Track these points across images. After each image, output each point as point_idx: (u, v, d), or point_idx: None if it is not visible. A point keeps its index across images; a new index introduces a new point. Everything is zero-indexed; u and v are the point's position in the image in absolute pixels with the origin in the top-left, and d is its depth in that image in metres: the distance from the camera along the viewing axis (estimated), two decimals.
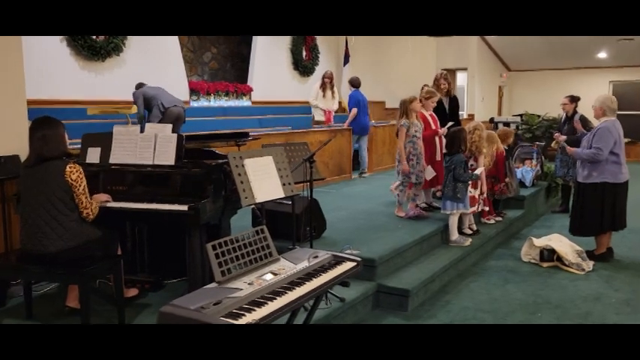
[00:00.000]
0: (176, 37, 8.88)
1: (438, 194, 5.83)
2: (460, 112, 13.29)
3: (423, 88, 6.31)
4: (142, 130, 3.70)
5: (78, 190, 3.07)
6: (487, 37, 12.44)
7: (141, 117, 6.62)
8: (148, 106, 6.71)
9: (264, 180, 3.28)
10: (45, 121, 3.14)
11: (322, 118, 8.89)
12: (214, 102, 9.57)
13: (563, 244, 5.02)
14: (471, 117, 13.25)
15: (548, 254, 5.00)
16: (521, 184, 7.15)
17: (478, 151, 5.21)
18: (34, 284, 3.60)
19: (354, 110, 8.37)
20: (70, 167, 3.05)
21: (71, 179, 3.04)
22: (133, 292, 3.60)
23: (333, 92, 9.07)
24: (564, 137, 6.77)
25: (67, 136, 3.28)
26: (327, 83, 8.95)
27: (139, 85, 7.06)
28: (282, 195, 3.35)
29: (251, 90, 10.19)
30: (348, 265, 2.96)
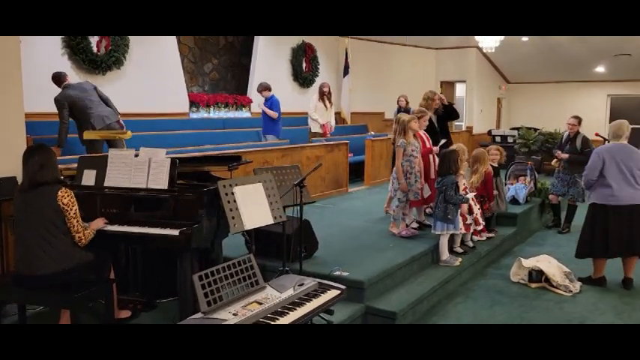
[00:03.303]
0: (177, 49, 8.99)
1: (428, 211, 5.92)
2: (459, 123, 13.39)
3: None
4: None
5: (69, 214, 3.17)
6: (486, 50, 12.53)
7: (64, 129, 6.08)
8: (75, 117, 6.15)
9: (253, 207, 3.37)
10: (39, 149, 3.25)
11: (319, 130, 9.04)
12: (214, 114, 9.67)
13: (551, 266, 5.09)
14: (470, 129, 13.36)
15: (537, 275, 5.07)
16: (515, 201, 7.23)
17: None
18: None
19: (275, 114, 8.42)
20: (61, 192, 3.16)
21: (62, 203, 3.14)
22: (125, 313, 3.69)
23: (331, 104, 9.22)
24: (566, 155, 6.84)
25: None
26: (325, 94, 9.09)
27: (58, 78, 6.28)
28: (271, 221, 3.44)
29: (250, 102, 10.29)
30: (333, 293, 3.06)
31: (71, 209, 3.18)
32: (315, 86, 11.53)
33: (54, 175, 3.23)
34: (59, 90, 6.20)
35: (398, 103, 10.01)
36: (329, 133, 9.23)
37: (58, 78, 6.28)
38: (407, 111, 9.41)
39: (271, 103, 8.50)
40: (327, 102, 9.19)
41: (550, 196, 7.27)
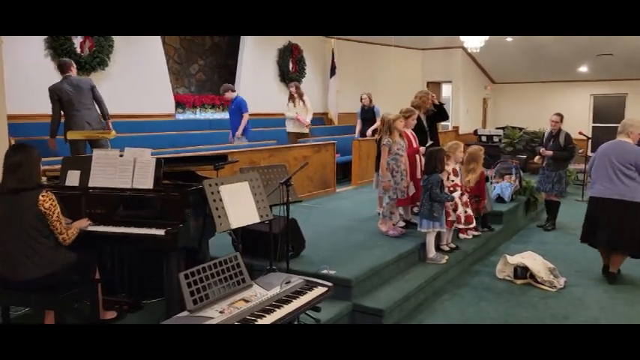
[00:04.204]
0: (162, 50, 8.95)
1: (415, 210, 5.94)
2: (446, 123, 13.49)
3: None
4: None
5: (52, 217, 3.13)
6: (471, 50, 12.68)
7: (54, 120, 6.07)
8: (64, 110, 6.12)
9: (239, 205, 3.37)
10: (20, 149, 3.21)
11: (294, 130, 8.97)
12: (200, 115, 9.64)
13: (536, 262, 5.14)
14: (456, 129, 13.45)
15: (522, 271, 5.13)
16: (500, 199, 7.29)
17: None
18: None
19: (247, 116, 7.98)
20: (42, 196, 3.12)
21: (44, 207, 3.11)
22: (111, 314, 3.66)
23: (303, 102, 9.02)
24: (551, 152, 6.93)
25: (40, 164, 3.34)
26: (294, 93, 8.98)
27: (61, 66, 6.24)
28: (258, 220, 3.44)
29: None
30: (319, 291, 3.06)
31: (53, 212, 3.15)
32: (302, 87, 11.55)
33: (34, 180, 3.18)
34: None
35: (361, 102, 9.73)
36: (305, 124, 9.04)
37: (62, 67, 6.22)
38: (371, 109, 9.42)
39: (237, 103, 8.07)
40: (297, 101, 9.01)
41: (544, 196, 7.35)
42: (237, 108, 8.06)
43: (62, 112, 6.12)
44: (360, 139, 9.14)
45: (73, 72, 6.25)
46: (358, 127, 9.83)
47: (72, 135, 5.80)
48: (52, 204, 3.13)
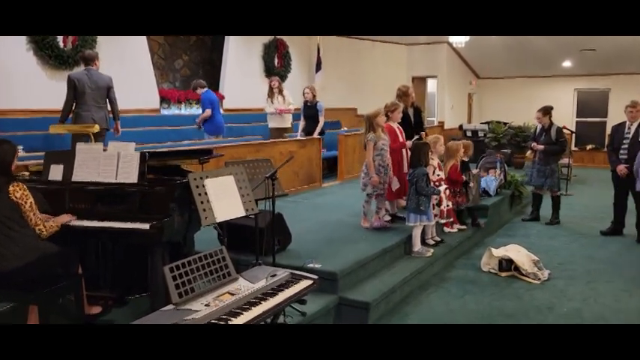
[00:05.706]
0: (146, 45, 8.88)
1: (403, 203, 5.96)
2: (432, 118, 13.57)
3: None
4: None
5: (24, 207, 3.13)
6: (456, 45, 12.76)
7: (66, 106, 6.09)
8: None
9: (224, 199, 3.36)
10: None
11: (275, 125, 8.85)
12: (185, 110, 9.58)
13: (520, 254, 5.20)
14: (442, 124, 13.53)
15: (507, 264, 5.18)
16: (485, 193, 7.35)
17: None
18: None
19: (208, 111, 8.07)
20: (12, 187, 3.12)
21: (15, 197, 3.11)
22: (96, 309, 3.63)
23: (283, 97, 8.81)
24: (542, 147, 6.99)
25: (16, 155, 3.31)
26: (275, 88, 8.79)
27: (85, 58, 6.37)
28: (243, 214, 3.43)
29: (222, 98, 10.22)
30: (305, 283, 3.06)
31: (26, 203, 3.14)
32: (288, 82, 11.54)
33: (3, 175, 3.15)
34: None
35: (304, 96, 8.82)
36: (290, 111, 8.88)
37: (86, 58, 6.33)
38: (314, 105, 8.69)
39: (203, 99, 8.22)
40: (276, 97, 8.77)
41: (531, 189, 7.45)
42: (202, 104, 8.25)
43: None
44: (346, 134, 9.12)
45: (97, 66, 6.32)
46: (301, 125, 8.89)
47: (54, 129, 5.74)
48: (23, 194, 3.12)
